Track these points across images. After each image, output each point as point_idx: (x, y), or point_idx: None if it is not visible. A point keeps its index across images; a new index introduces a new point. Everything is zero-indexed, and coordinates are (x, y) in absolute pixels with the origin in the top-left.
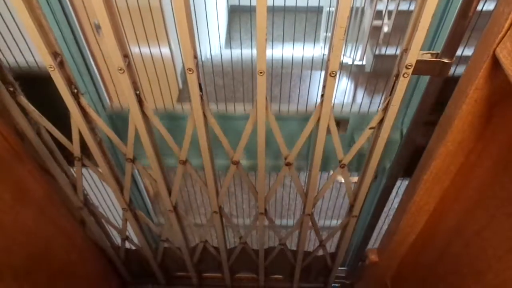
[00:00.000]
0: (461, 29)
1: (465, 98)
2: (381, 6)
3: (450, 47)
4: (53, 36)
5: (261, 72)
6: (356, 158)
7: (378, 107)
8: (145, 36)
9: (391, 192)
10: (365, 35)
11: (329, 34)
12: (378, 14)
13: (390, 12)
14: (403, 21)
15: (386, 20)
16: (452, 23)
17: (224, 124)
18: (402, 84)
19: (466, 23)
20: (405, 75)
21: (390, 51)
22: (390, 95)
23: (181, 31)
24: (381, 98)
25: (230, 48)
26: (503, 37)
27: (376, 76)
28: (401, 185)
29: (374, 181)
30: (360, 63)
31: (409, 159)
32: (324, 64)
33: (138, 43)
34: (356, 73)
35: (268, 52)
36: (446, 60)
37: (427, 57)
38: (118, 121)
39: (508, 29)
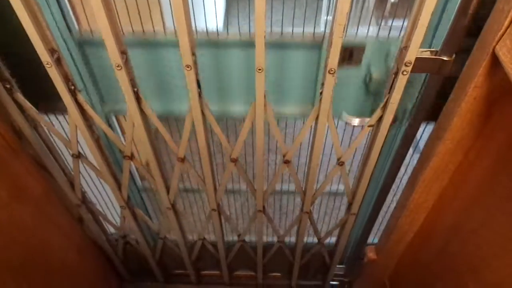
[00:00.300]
0: (461, 27)
1: (464, 96)
2: None
3: (450, 45)
4: (49, 32)
5: (259, 69)
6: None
7: (400, 33)
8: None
9: (390, 187)
10: (369, 8)
11: (330, 18)
12: None
13: None
14: None
15: None
16: (452, 20)
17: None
18: (401, 82)
19: (466, 20)
20: (404, 73)
21: (397, 23)
22: (389, 92)
23: (179, 27)
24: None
25: (227, 31)
26: (502, 34)
27: None
28: (400, 185)
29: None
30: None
31: (435, 100)
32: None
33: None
34: None
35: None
36: (445, 58)
37: (427, 54)
38: (89, 49)
39: (508, 26)
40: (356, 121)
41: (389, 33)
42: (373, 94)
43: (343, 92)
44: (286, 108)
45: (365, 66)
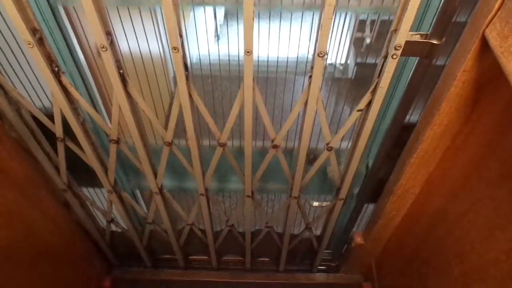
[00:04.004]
0: (451, 9)
1: (453, 80)
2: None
3: (440, 28)
4: (31, 11)
5: (248, 52)
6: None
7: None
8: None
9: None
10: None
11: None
12: (361, 25)
13: (372, 22)
14: (385, 30)
15: (367, 32)
16: (442, 3)
17: None
18: (391, 66)
19: (457, 3)
20: (394, 56)
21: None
22: (378, 77)
23: (165, 8)
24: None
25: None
26: (492, 17)
27: (357, 84)
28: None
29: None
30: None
31: (375, 188)
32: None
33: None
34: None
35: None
36: (435, 41)
37: (417, 38)
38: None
39: (498, 9)
40: (316, 203)
41: (339, 145)
42: (331, 184)
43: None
44: None
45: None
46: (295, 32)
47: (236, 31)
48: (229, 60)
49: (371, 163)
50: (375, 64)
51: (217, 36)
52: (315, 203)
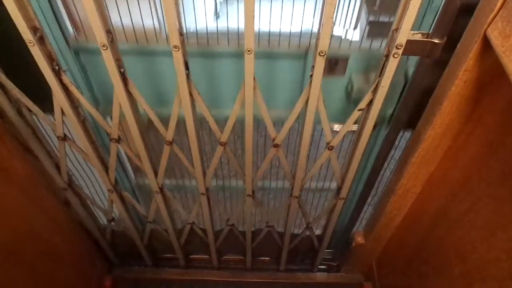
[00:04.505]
0: (452, 8)
1: (454, 79)
2: None
3: (441, 27)
4: (32, 10)
5: (249, 51)
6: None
7: (381, 45)
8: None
9: (379, 172)
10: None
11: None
12: None
13: None
14: None
15: None
16: (444, 2)
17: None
18: (392, 65)
19: (458, 2)
20: (395, 56)
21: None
22: (380, 76)
23: (166, 5)
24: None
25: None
26: (494, 17)
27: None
28: (387, 168)
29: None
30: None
31: (413, 106)
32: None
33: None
34: None
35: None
36: (436, 41)
37: (418, 37)
38: (85, 56)
39: (500, 8)
40: (337, 127)
41: (370, 44)
42: (354, 102)
43: (325, 100)
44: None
45: (348, 77)
46: (299, 10)
47: (236, 9)
48: (228, 40)
49: (411, 71)
50: (389, 23)
51: (217, 15)
52: (336, 127)
